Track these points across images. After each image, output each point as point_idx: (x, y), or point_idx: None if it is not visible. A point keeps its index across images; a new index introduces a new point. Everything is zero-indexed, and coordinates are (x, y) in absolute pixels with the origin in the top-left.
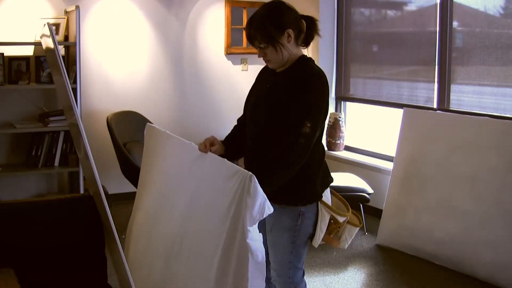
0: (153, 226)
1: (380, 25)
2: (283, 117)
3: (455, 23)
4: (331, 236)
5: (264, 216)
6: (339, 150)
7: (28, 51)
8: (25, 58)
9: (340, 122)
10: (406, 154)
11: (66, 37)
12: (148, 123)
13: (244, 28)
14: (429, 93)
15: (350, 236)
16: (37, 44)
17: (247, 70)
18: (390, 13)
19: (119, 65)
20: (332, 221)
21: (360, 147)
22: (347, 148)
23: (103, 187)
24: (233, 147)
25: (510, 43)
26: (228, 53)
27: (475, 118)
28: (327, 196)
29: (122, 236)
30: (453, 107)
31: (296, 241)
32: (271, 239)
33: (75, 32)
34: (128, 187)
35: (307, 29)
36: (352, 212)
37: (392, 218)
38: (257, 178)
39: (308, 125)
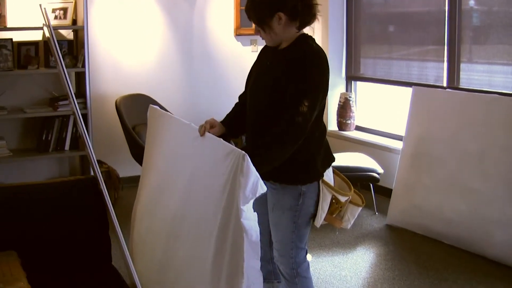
0: (155, 206)
1: (390, 5)
2: (281, 95)
3: (471, 2)
4: (333, 216)
5: (257, 195)
6: (349, 130)
7: (37, 36)
8: (34, 43)
9: (351, 102)
10: (415, 133)
11: (74, 21)
12: (150, 105)
13: None
14: (438, 72)
15: (353, 216)
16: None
17: (257, 51)
18: None
19: (128, 48)
20: (334, 201)
21: (371, 127)
22: (358, 128)
23: (114, 170)
24: (233, 126)
25: None
26: (238, 34)
27: (485, 95)
28: (329, 175)
29: None
30: (463, 85)
31: (297, 221)
32: (272, 218)
33: (83, 16)
34: (138, 170)
35: (302, 13)
36: (354, 191)
37: (401, 197)
38: (254, 156)
39: (306, 103)
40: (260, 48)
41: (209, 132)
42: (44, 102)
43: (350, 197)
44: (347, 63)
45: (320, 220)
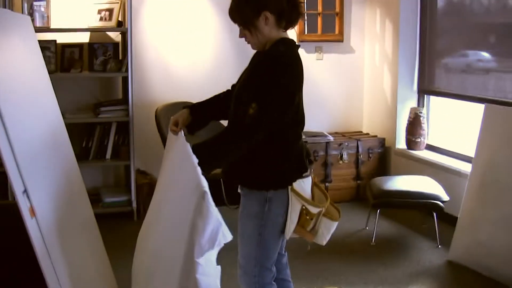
0: (145, 240)
1: (469, 14)
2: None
3: None
4: (306, 229)
5: (216, 247)
6: (419, 149)
7: (82, 38)
8: (79, 45)
9: (421, 118)
10: (484, 158)
11: (120, 23)
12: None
13: (317, 14)
14: None
15: (328, 230)
16: (91, 30)
17: (322, 59)
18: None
19: (180, 52)
20: (304, 212)
21: (444, 147)
22: (429, 147)
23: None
24: (200, 116)
25: None
26: (301, 41)
27: None
28: (303, 187)
29: None
30: None
31: (263, 232)
32: (239, 228)
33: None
34: None
35: (289, 12)
36: (331, 204)
37: (466, 231)
38: (199, 151)
39: (254, 106)
40: (326, 56)
41: (174, 131)
42: (89, 107)
43: (323, 209)
44: (419, 75)
45: (289, 231)
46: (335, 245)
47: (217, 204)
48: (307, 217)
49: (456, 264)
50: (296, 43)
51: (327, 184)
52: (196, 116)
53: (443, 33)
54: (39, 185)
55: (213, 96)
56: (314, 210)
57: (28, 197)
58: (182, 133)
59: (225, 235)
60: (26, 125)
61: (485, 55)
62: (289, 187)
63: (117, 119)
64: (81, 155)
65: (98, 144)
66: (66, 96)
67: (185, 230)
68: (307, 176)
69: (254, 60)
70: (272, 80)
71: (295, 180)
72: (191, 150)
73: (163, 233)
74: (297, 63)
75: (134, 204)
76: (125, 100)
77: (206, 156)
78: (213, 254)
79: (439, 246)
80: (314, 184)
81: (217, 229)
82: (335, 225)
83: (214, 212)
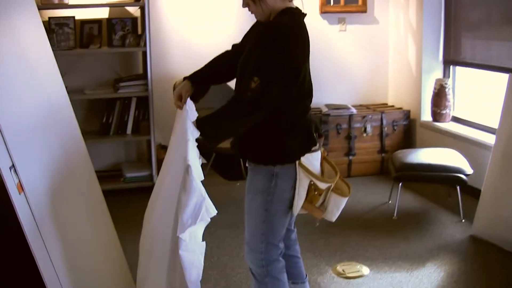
0: (148, 216)
1: None
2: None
3: None
4: (314, 205)
5: (198, 222)
6: (444, 121)
7: (101, 14)
8: (97, 21)
9: (446, 90)
10: (508, 129)
11: None
12: None
13: None
14: None
15: (337, 207)
16: (109, 6)
17: (345, 31)
18: None
19: (200, 27)
20: (312, 187)
21: (470, 119)
22: (455, 119)
23: None
24: (202, 85)
25: None
26: (323, 12)
27: None
28: (312, 161)
29: None
30: None
31: (270, 208)
32: (246, 204)
33: None
34: None
35: None
36: (341, 179)
37: (488, 205)
38: (202, 124)
39: (256, 80)
40: (349, 27)
41: (179, 106)
42: (109, 83)
43: (332, 184)
44: (445, 45)
45: (297, 207)
46: (356, 220)
47: (236, 179)
48: (316, 193)
49: (479, 239)
50: (303, 12)
51: (350, 157)
52: (198, 86)
53: (469, 2)
54: (30, 161)
55: (211, 60)
56: (322, 185)
57: (16, 172)
58: (186, 106)
59: (209, 210)
60: (16, 101)
61: None
62: (297, 161)
63: (137, 94)
64: (102, 131)
65: (118, 120)
66: (86, 72)
67: (175, 205)
68: (316, 150)
69: (256, 29)
70: (275, 53)
71: (303, 155)
72: (189, 124)
73: (162, 209)
74: (302, 33)
75: (155, 179)
76: (144, 75)
77: (209, 131)
78: (198, 230)
79: (463, 220)
80: (323, 159)
81: (200, 204)
82: (344, 201)
83: (197, 187)
